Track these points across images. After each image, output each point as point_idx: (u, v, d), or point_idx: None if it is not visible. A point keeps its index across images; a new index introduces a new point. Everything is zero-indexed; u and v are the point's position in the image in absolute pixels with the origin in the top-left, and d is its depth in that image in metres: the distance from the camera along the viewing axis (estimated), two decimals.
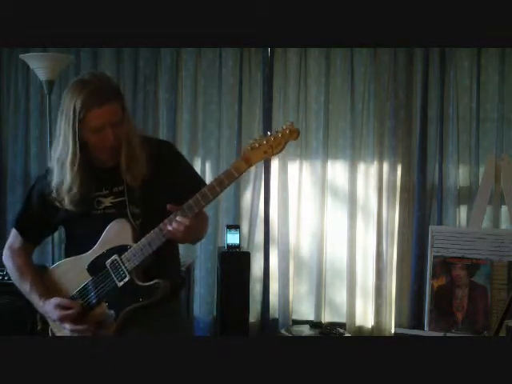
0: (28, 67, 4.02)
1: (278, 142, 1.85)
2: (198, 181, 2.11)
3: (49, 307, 2.02)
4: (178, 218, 1.91)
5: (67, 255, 2.13)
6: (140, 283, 1.97)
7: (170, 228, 1.92)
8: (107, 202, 2.02)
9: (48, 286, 2.09)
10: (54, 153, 2.00)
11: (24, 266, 2.14)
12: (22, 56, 3.85)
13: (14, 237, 2.17)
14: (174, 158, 2.12)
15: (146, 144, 2.02)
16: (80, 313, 2.00)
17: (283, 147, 1.86)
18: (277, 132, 1.86)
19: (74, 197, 1.97)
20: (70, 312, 1.99)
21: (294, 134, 1.85)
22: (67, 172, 1.96)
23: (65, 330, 2.03)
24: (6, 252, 2.17)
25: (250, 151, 1.86)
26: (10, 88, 4.52)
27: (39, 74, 3.84)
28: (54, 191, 2.00)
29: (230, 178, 1.89)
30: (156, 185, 2.00)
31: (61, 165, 1.97)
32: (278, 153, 1.87)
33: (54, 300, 2.01)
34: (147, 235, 1.94)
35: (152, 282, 1.95)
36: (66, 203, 1.99)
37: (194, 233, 2.00)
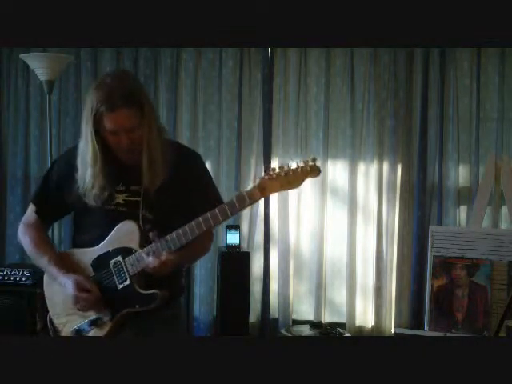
0: (28, 67, 4.02)
1: (296, 177, 1.81)
2: (216, 199, 2.07)
3: (68, 281, 2.00)
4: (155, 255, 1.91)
5: (74, 244, 2.14)
6: (139, 290, 1.97)
7: (147, 263, 1.93)
8: (121, 198, 2.02)
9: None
10: (79, 149, 2.01)
11: (40, 239, 2.13)
12: (22, 56, 3.85)
13: (29, 213, 2.18)
14: (198, 171, 2.11)
15: (172, 151, 2.02)
16: (96, 300, 1.99)
17: (301, 183, 1.82)
18: (297, 167, 1.81)
19: (98, 194, 1.98)
20: (86, 295, 1.98)
21: (315, 172, 1.82)
22: (88, 170, 1.97)
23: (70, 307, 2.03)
24: (21, 227, 2.17)
25: (266, 181, 1.82)
26: (10, 88, 4.51)
27: (39, 74, 3.84)
28: (80, 188, 2.00)
29: (242, 204, 1.86)
30: (173, 192, 2.00)
31: (84, 163, 1.99)
32: (294, 188, 1.83)
33: (76, 277, 1.99)
34: (153, 243, 1.94)
35: (150, 292, 1.95)
36: (90, 200, 2.00)
37: (177, 265, 1.99)
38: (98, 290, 1.99)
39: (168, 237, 1.91)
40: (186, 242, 1.94)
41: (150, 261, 1.92)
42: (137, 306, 1.97)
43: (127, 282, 1.97)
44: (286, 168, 1.81)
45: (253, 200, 1.85)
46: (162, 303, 1.97)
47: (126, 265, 1.97)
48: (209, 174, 2.20)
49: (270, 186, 1.82)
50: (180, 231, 1.90)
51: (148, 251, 1.93)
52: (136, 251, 1.96)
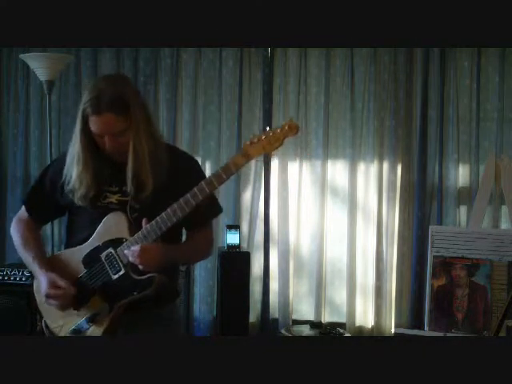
0: (28, 67, 4.02)
1: (276, 137, 1.86)
2: (215, 205, 2.10)
3: (43, 279, 2.01)
4: (132, 248, 1.92)
5: (67, 244, 2.15)
6: (135, 276, 1.96)
7: (130, 258, 1.93)
8: (113, 198, 2.03)
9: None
10: (69, 148, 2.04)
11: (30, 235, 2.16)
12: (22, 56, 3.85)
13: (22, 210, 2.20)
14: (194, 175, 2.11)
15: (167, 155, 2.03)
16: (69, 297, 1.99)
17: (281, 142, 1.87)
18: (276, 128, 1.87)
19: (84, 194, 2.00)
20: (58, 292, 1.98)
21: (294, 129, 1.86)
22: (74, 170, 1.99)
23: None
24: (13, 224, 2.21)
25: (248, 146, 1.88)
26: (10, 88, 4.52)
27: (39, 74, 3.84)
28: (65, 186, 2.03)
29: (228, 173, 1.91)
30: (166, 194, 1.99)
31: (70, 162, 2.01)
32: (276, 148, 1.88)
33: (50, 275, 2.01)
34: (143, 228, 1.94)
35: (147, 276, 1.95)
36: (76, 200, 2.02)
37: (169, 259, 1.99)
38: (72, 287, 1.99)
39: (158, 218, 1.92)
40: (181, 228, 1.97)
41: (132, 250, 1.92)
42: (135, 293, 1.96)
43: (122, 272, 1.97)
44: (265, 132, 1.88)
45: (238, 167, 1.92)
46: (160, 287, 1.97)
47: (118, 255, 1.97)
48: (205, 176, 2.19)
49: (253, 150, 1.88)
50: (169, 210, 1.92)
51: (139, 236, 1.94)
52: (127, 240, 1.96)
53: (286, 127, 1.85)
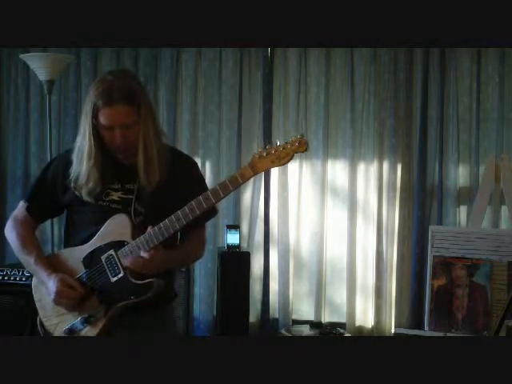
0: (28, 67, 4.02)
1: (286, 152, 1.86)
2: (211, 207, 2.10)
3: (52, 280, 2.00)
4: (141, 254, 1.93)
5: (66, 242, 2.16)
6: (133, 280, 1.96)
7: (128, 263, 1.94)
8: (116, 196, 2.03)
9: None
10: (76, 144, 2.04)
11: (28, 237, 2.14)
12: (22, 56, 3.85)
13: (19, 209, 2.18)
14: (193, 177, 2.13)
15: (169, 155, 2.05)
16: (78, 298, 2.00)
17: (291, 158, 1.87)
18: (286, 143, 1.87)
19: (91, 189, 2.00)
20: (70, 291, 1.99)
21: (303, 146, 1.86)
22: (84, 165, 1.99)
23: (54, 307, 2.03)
24: (9, 223, 2.17)
25: (257, 159, 1.88)
26: (10, 88, 4.52)
27: (39, 74, 3.84)
28: (73, 182, 2.03)
29: (235, 184, 1.90)
30: (168, 195, 2.01)
31: (80, 157, 2.01)
32: (284, 163, 1.88)
33: (61, 275, 2.01)
34: (145, 233, 1.94)
35: (146, 281, 1.95)
36: (84, 195, 2.02)
37: (165, 263, 2.01)
38: (82, 289, 2.00)
39: (161, 224, 1.93)
40: (180, 238, 1.96)
41: (130, 260, 1.93)
42: (132, 297, 1.96)
43: (121, 275, 1.97)
44: (275, 146, 1.88)
45: (244, 179, 1.90)
46: (158, 291, 1.97)
47: (118, 258, 1.97)
48: (204, 181, 2.21)
49: (261, 163, 1.88)
50: (173, 217, 1.92)
51: (141, 241, 1.94)
52: (128, 243, 1.96)
53: (297, 143, 1.86)
